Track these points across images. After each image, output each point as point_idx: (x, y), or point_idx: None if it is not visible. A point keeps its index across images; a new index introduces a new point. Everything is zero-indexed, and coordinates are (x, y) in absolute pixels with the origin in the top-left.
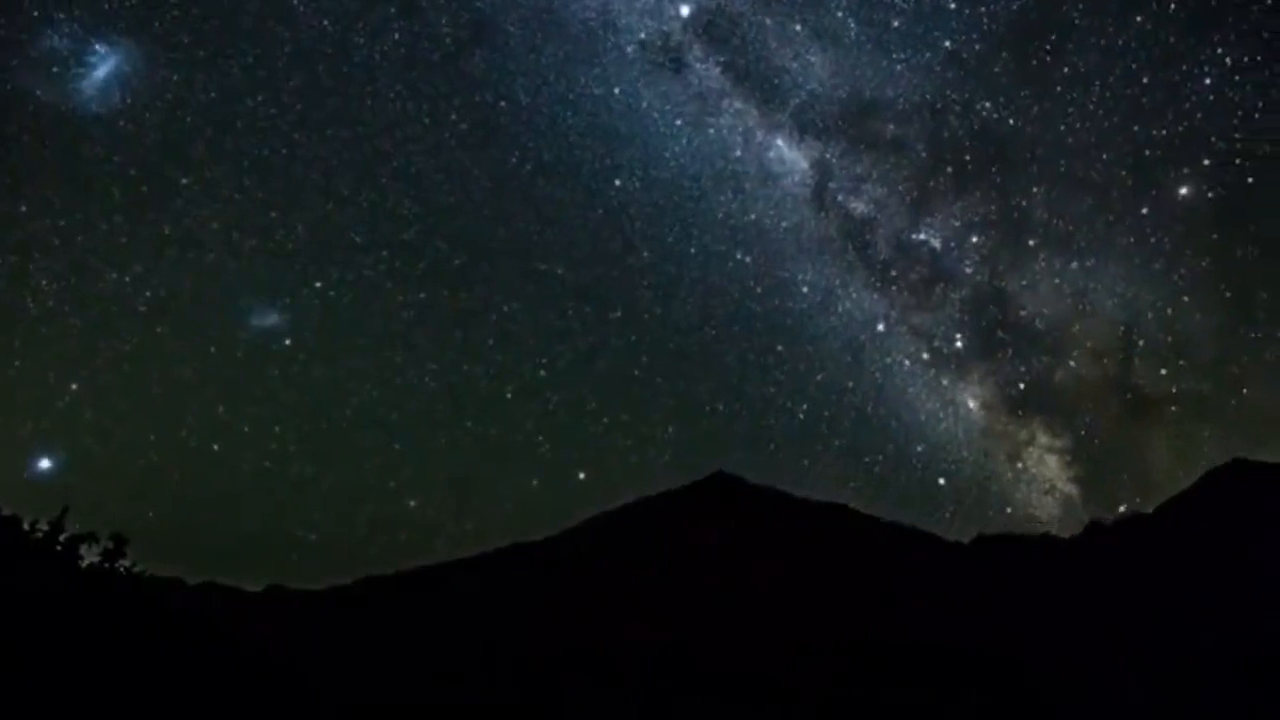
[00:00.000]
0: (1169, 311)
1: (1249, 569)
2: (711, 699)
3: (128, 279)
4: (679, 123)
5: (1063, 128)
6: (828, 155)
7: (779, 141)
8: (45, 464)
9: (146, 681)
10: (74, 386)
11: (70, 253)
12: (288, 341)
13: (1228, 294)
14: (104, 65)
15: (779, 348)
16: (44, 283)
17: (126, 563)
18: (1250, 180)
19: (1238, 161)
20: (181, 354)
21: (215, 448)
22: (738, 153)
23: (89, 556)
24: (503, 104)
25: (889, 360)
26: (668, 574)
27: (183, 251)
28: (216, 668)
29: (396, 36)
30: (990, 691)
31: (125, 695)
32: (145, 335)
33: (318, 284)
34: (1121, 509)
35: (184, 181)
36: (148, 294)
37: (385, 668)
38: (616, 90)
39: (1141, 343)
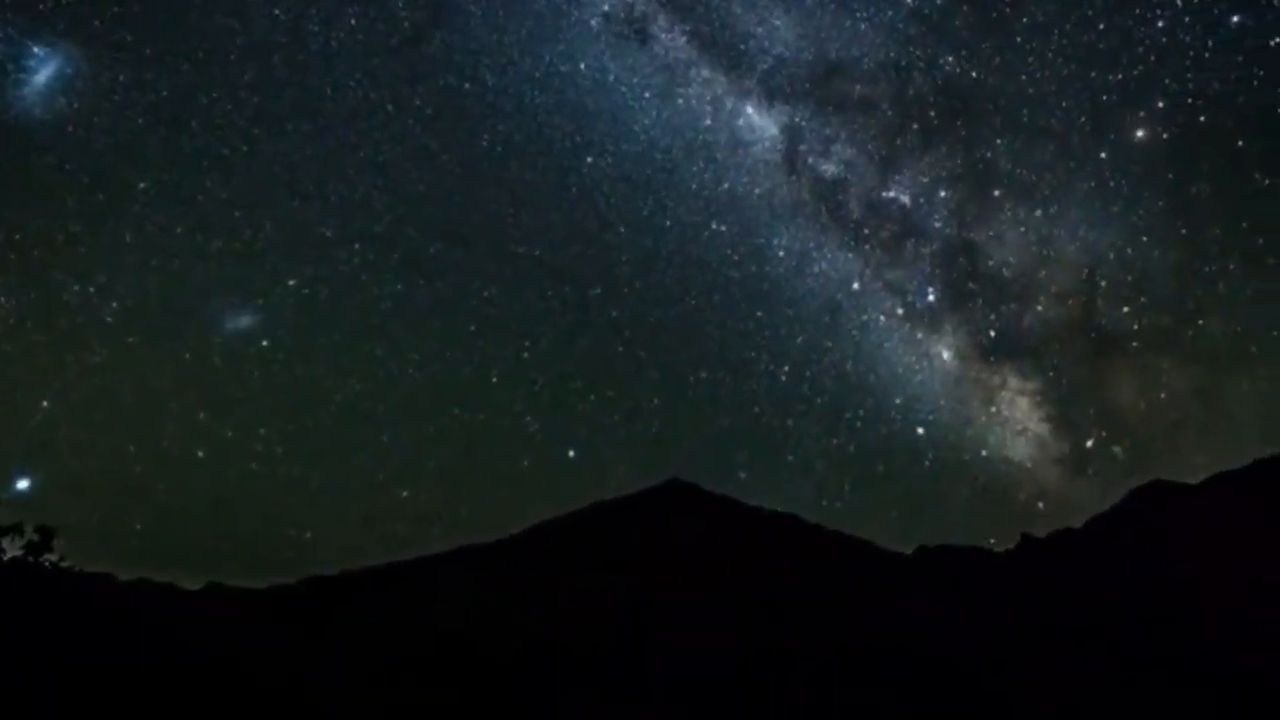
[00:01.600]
0: (1129, 252)
1: (1164, 577)
2: (681, 701)
3: (92, 289)
4: (647, 95)
5: (1024, 78)
6: (796, 119)
7: (748, 108)
8: (23, 484)
9: (69, 680)
10: (45, 403)
11: (28, 267)
12: (265, 342)
13: (1183, 231)
14: (44, 69)
15: (759, 313)
16: (2, 300)
17: (53, 557)
18: (1202, 119)
19: (1190, 101)
20: (155, 362)
21: (199, 454)
22: (707, 122)
23: (11, 550)
24: (468, 86)
25: (865, 318)
26: (625, 578)
27: (147, 258)
28: (146, 666)
29: (353, 23)
30: (952, 691)
31: (46, 695)
32: (116, 346)
33: (291, 282)
34: (1089, 444)
35: (141, 185)
36: (114, 304)
37: (329, 667)
38: (583, 65)
39: (1104, 283)
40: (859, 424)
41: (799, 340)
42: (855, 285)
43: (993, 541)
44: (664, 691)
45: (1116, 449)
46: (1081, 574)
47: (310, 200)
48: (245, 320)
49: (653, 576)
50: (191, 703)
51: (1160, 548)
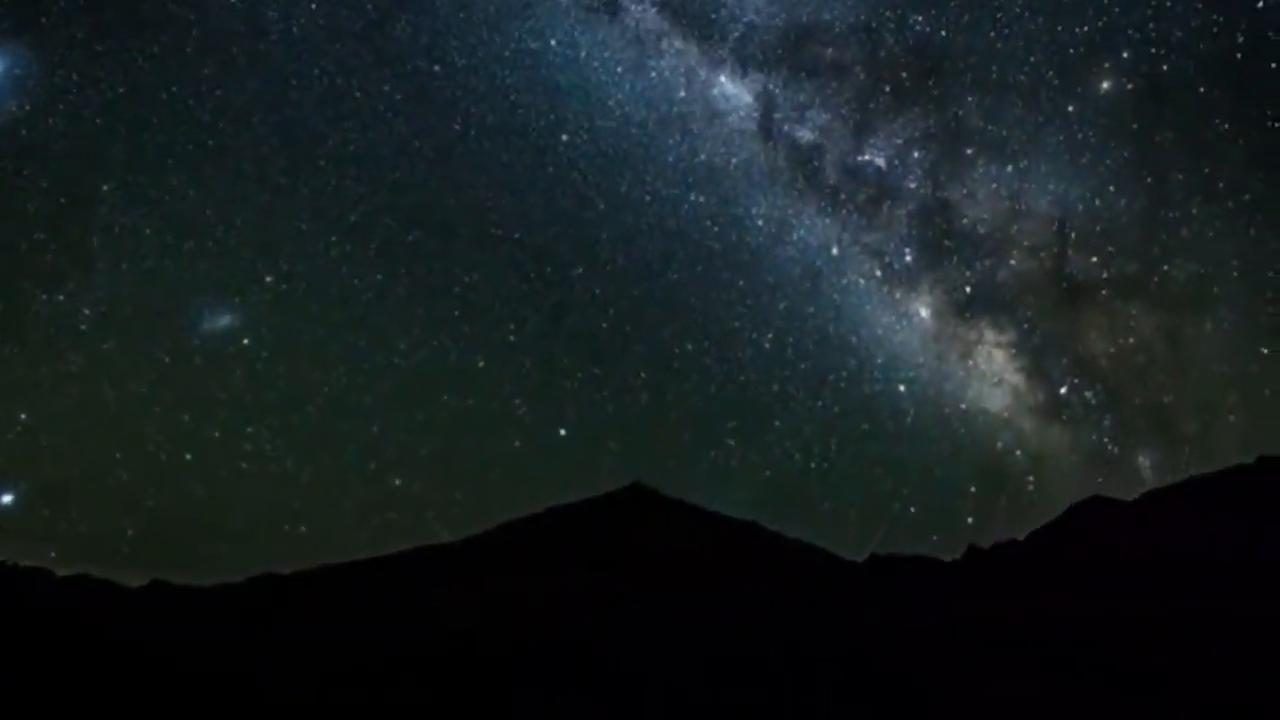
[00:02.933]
0: (1097, 202)
1: (1101, 586)
2: (637, 706)
3: (61, 298)
4: (620, 69)
5: (992, 34)
6: (770, 86)
7: (721, 78)
8: (7, 499)
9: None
10: (23, 416)
11: None
12: (245, 341)
13: (1148, 179)
14: None
15: (740, 283)
16: None
17: None
18: (1164, 68)
19: (1153, 51)
20: (134, 368)
21: (187, 457)
22: (681, 93)
23: None
24: (437, 69)
25: (845, 281)
26: (583, 582)
27: (116, 262)
28: (82, 666)
29: (313, 7)
30: (915, 705)
31: None
32: (92, 354)
33: (268, 278)
34: (1063, 390)
35: (105, 188)
36: (86, 311)
37: (278, 665)
38: (553, 42)
39: (1074, 235)
40: (843, 385)
41: (781, 307)
42: (834, 250)
43: (974, 490)
44: (640, 693)
45: (1088, 394)
46: (1030, 588)
47: (282, 194)
48: (224, 320)
49: (622, 579)
50: (130, 698)
51: (1102, 561)
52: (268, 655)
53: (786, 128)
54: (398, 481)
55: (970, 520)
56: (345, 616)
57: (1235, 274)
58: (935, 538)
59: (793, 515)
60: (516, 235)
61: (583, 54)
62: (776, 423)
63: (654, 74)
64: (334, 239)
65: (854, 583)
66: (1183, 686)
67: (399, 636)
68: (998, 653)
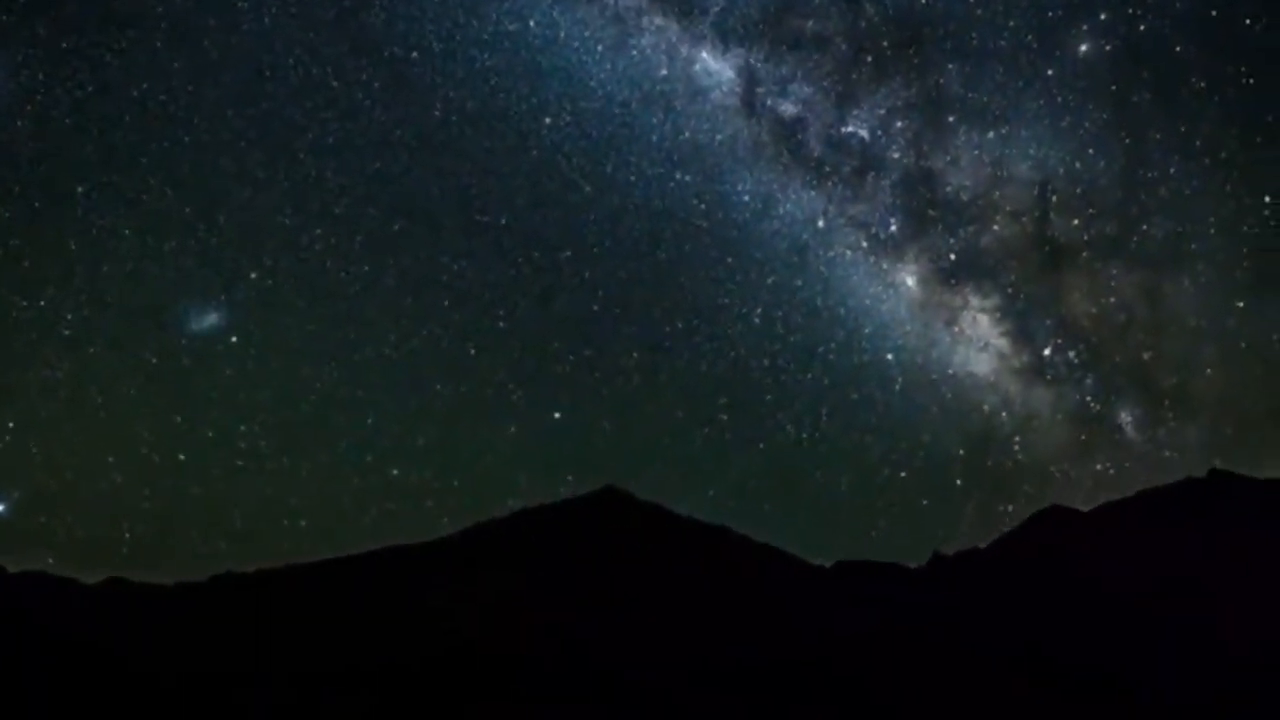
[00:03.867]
0: (1077, 165)
1: (1062, 595)
2: (601, 710)
3: (42, 303)
4: (600, 49)
5: (971, 0)
6: (752, 61)
7: (703, 54)
8: (0, 507)
9: None
10: (11, 424)
11: None
12: (234, 339)
13: (1127, 140)
14: None
15: (728, 259)
16: None
17: None
18: (1141, 28)
19: (1130, 11)
20: (121, 371)
21: (181, 458)
22: (663, 71)
23: None
24: (414, 55)
25: (832, 254)
26: (554, 584)
27: (96, 266)
28: (38, 663)
29: None
30: (877, 710)
31: None
32: (77, 359)
33: (253, 275)
34: (1047, 352)
35: (80, 190)
36: (69, 316)
37: (235, 669)
38: (531, 23)
39: (1055, 198)
40: (832, 356)
41: (769, 281)
42: (820, 223)
43: (962, 453)
44: (640, 695)
45: (1071, 354)
46: (995, 593)
47: (262, 188)
48: (210, 319)
49: (581, 586)
50: (128, 699)
51: (1062, 568)
52: (258, 656)
53: (769, 102)
54: (395, 472)
55: (959, 483)
56: (338, 616)
57: (1212, 230)
58: (925, 502)
59: (786, 486)
60: (502, 221)
61: (562, 34)
62: (768, 396)
63: (635, 52)
64: (318, 232)
65: (823, 588)
66: (1142, 691)
67: (392, 636)
68: (963, 658)
